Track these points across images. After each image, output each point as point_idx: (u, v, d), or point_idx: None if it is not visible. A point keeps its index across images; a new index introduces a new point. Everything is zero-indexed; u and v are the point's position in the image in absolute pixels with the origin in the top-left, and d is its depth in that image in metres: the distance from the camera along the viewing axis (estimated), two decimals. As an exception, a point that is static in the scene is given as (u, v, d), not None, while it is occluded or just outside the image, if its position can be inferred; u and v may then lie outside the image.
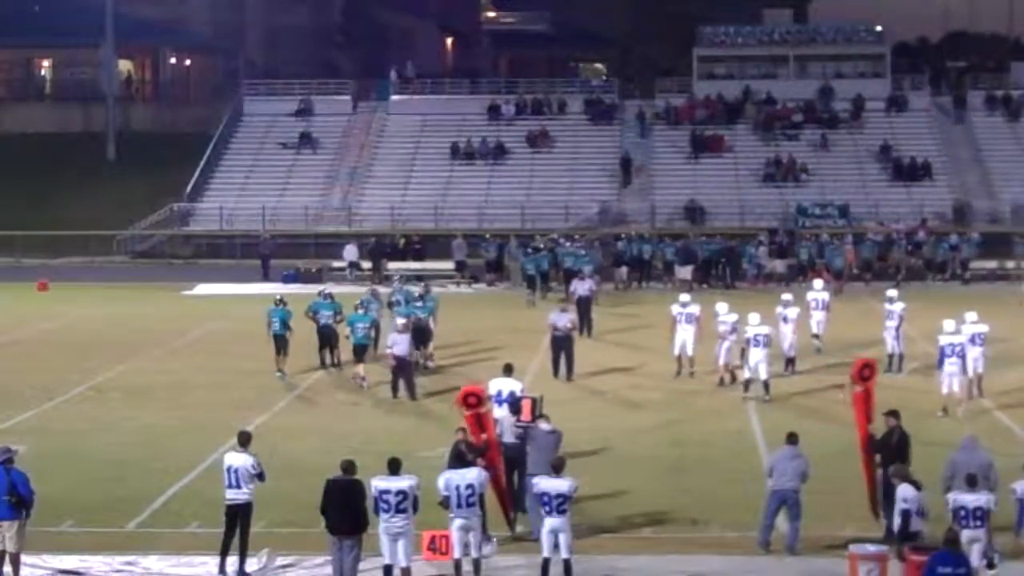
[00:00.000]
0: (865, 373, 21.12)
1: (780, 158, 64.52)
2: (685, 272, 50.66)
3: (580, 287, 40.22)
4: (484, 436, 20.08)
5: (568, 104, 70.28)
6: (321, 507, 17.93)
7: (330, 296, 34.38)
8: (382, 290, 39.06)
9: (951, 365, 28.41)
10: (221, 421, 27.80)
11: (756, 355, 29.64)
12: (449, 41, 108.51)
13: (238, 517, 18.67)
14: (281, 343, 32.91)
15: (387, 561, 17.69)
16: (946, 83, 73.41)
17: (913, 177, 63.48)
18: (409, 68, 73.75)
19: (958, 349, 28.39)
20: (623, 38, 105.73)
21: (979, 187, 63.28)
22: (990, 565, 17.72)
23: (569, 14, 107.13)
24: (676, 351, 32.06)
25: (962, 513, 17.46)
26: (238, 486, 18.67)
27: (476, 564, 18.10)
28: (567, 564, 17.76)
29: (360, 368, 31.94)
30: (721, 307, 31.52)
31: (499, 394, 22.33)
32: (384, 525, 17.63)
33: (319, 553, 18.75)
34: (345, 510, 17.69)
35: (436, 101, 71.08)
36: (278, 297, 34.22)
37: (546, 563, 17.84)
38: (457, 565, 18.05)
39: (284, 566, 19.15)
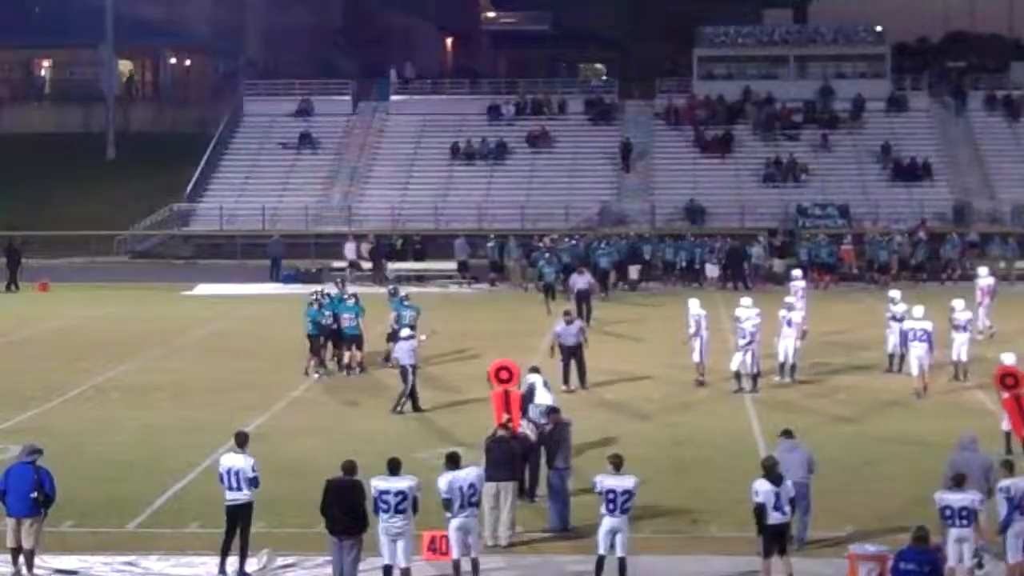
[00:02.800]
0: (1008, 382, 21.42)
1: (780, 158, 64.54)
2: (634, 271, 50.88)
3: (579, 281, 40.91)
4: (507, 416, 20.54)
5: (568, 104, 70.32)
6: (321, 507, 17.95)
7: (328, 295, 34.39)
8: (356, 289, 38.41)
9: (917, 348, 29.86)
10: (221, 421, 27.79)
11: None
12: (449, 41, 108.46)
13: (239, 518, 18.68)
14: (314, 343, 33.10)
15: (387, 561, 17.71)
16: (946, 83, 73.36)
17: (913, 177, 63.50)
18: (409, 68, 73.74)
19: (920, 334, 29.83)
20: (623, 38, 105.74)
21: (979, 187, 63.30)
22: (980, 565, 17.71)
23: (569, 14, 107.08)
24: (696, 358, 31.45)
25: (947, 512, 17.48)
26: (239, 487, 18.68)
27: (475, 564, 18.12)
28: (622, 563, 17.85)
29: (347, 356, 32.82)
30: (742, 307, 31.58)
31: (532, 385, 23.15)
32: (383, 525, 17.64)
33: (319, 553, 18.76)
34: (345, 510, 17.70)
35: (436, 101, 71.10)
36: (314, 297, 34.21)
37: (601, 561, 17.91)
38: (456, 566, 18.06)
39: (284, 566, 19.15)
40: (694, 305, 31.70)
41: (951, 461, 19.25)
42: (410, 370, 28.90)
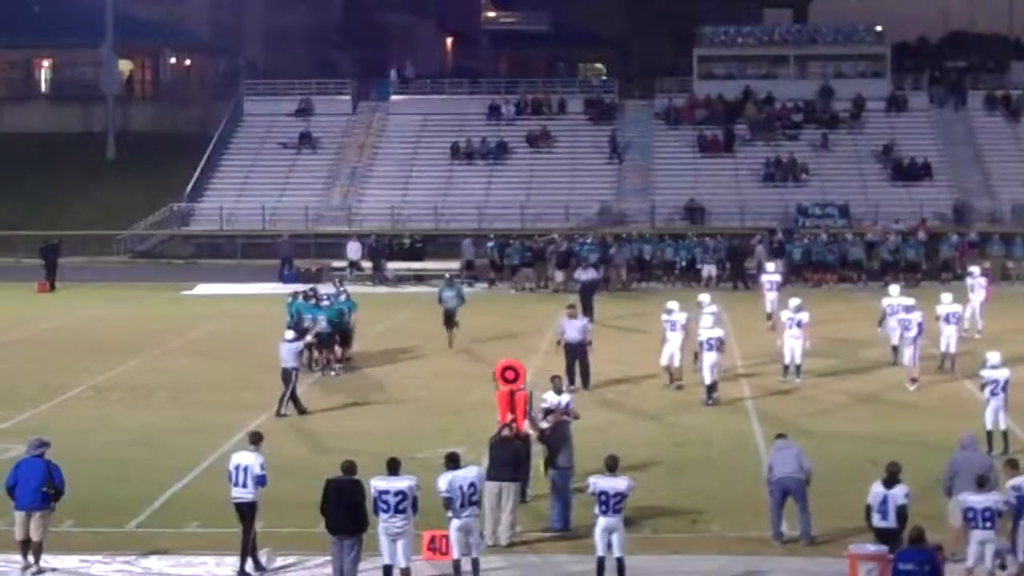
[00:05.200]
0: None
1: (780, 158, 64.53)
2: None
3: (584, 275, 41.82)
4: (511, 417, 20.57)
5: (568, 104, 70.29)
6: (321, 507, 17.98)
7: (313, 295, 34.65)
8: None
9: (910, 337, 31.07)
10: (221, 421, 27.83)
11: (708, 359, 29.24)
12: (449, 41, 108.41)
13: (243, 515, 18.78)
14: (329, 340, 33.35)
15: (387, 561, 17.72)
16: (946, 83, 73.33)
17: (913, 177, 63.48)
18: (409, 68, 73.70)
19: (916, 323, 30.95)
20: (623, 38, 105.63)
21: (979, 187, 63.29)
22: (1003, 566, 17.62)
23: (569, 14, 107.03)
24: (664, 361, 31.12)
25: (970, 514, 17.43)
26: (244, 484, 18.79)
27: (475, 564, 18.12)
28: (620, 563, 17.86)
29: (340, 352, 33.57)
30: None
31: (559, 404, 22.40)
32: (383, 525, 17.66)
33: (319, 553, 18.78)
34: (345, 510, 17.72)
35: (436, 101, 71.06)
36: (328, 295, 34.31)
37: (601, 562, 17.92)
38: (456, 565, 18.06)
39: (284, 566, 19.16)
40: (675, 307, 31.61)
41: (952, 461, 19.27)
42: (292, 373, 28.73)
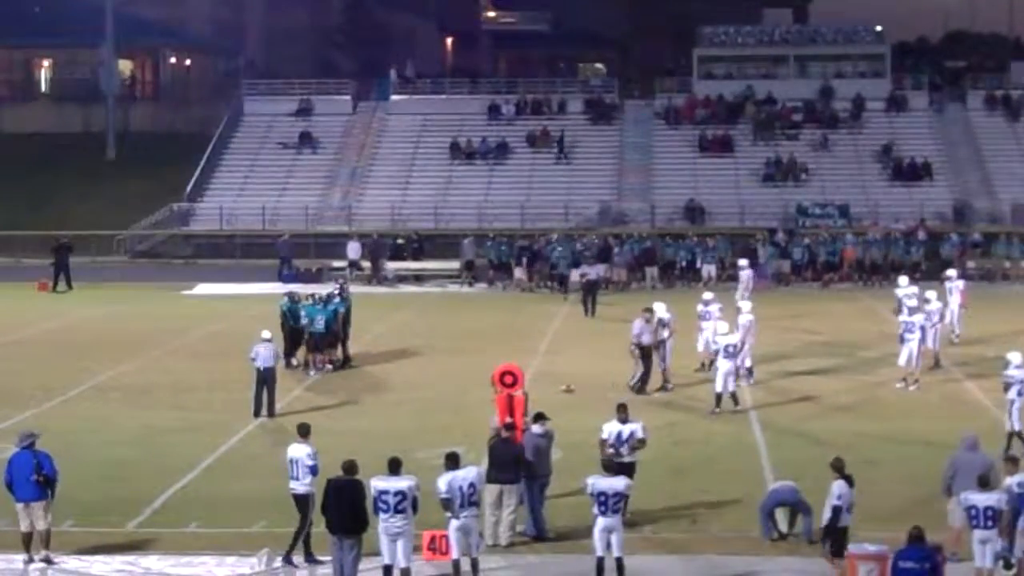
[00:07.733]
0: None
1: (780, 158, 64.54)
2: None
3: (589, 272, 43.45)
4: (510, 420, 20.58)
5: (568, 104, 70.31)
6: (321, 507, 18.01)
7: (311, 297, 34.71)
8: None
9: (912, 339, 30.86)
10: (221, 421, 27.82)
11: (724, 366, 28.65)
12: (449, 41, 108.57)
13: (298, 507, 19.11)
14: (320, 342, 33.34)
15: (386, 561, 17.72)
16: (946, 83, 73.31)
17: (913, 177, 63.49)
18: (409, 68, 73.77)
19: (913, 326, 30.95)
20: (623, 38, 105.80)
21: (979, 187, 63.29)
22: (1007, 566, 17.51)
23: (569, 14, 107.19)
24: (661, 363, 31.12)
25: (973, 512, 17.39)
26: (297, 476, 19.16)
27: (475, 564, 18.12)
28: (619, 562, 17.86)
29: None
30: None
31: (619, 435, 21.14)
32: (383, 525, 17.66)
33: (319, 553, 18.78)
34: (346, 510, 17.73)
35: (436, 101, 71.10)
36: (329, 293, 34.50)
37: (600, 562, 17.91)
38: (456, 565, 18.06)
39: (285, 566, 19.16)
40: (660, 309, 31.53)
41: (952, 461, 19.26)
42: (275, 372, 28.84)
